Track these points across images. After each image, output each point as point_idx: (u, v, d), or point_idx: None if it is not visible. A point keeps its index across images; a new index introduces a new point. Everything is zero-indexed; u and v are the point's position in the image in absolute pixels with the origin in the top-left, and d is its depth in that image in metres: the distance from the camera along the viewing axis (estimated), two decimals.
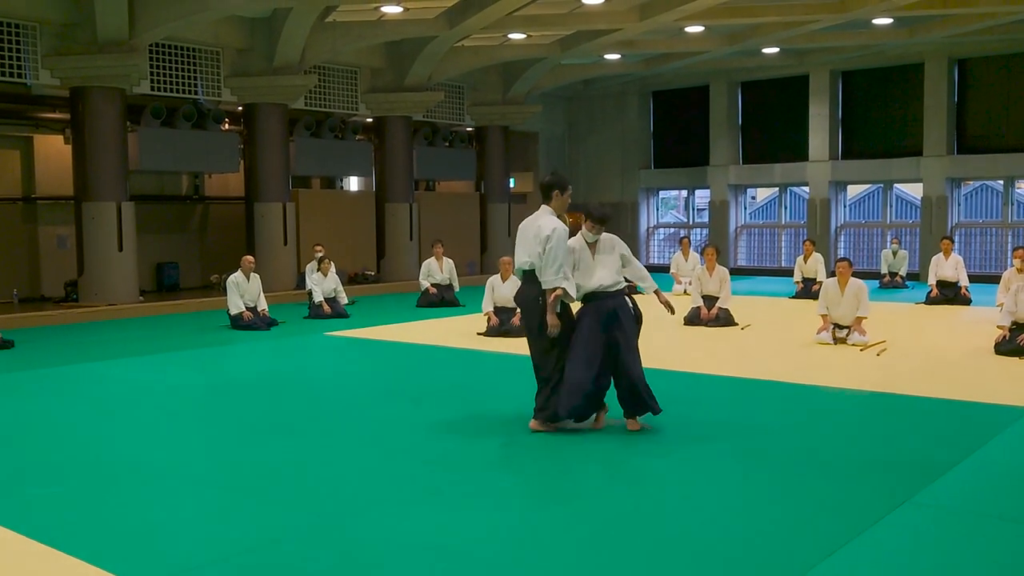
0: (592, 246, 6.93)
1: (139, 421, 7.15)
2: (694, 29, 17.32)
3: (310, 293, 13.89)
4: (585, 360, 6.44)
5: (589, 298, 6.74)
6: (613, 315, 6.57)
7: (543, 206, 6.65)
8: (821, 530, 4.44)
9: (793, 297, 15.56)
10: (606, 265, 6.82)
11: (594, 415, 6.64)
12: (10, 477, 5.54)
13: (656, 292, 7.00)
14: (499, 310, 11.39)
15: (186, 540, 4.40)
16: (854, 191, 22.54)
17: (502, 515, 4.73)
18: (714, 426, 6.59)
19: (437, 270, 15.07)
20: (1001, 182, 19.50)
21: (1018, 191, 20.01)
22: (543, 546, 4.30)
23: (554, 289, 6.35)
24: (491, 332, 11.24)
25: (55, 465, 5.79)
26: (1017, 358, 9.09)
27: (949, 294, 14.28)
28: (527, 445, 6.23)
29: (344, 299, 14.10)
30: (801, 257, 15.93)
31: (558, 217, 6.69)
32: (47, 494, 5.15)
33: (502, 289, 11.39)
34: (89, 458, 5.97)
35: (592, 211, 6.84)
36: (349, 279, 17.83)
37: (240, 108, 16.63)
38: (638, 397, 6.51)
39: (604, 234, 6.94)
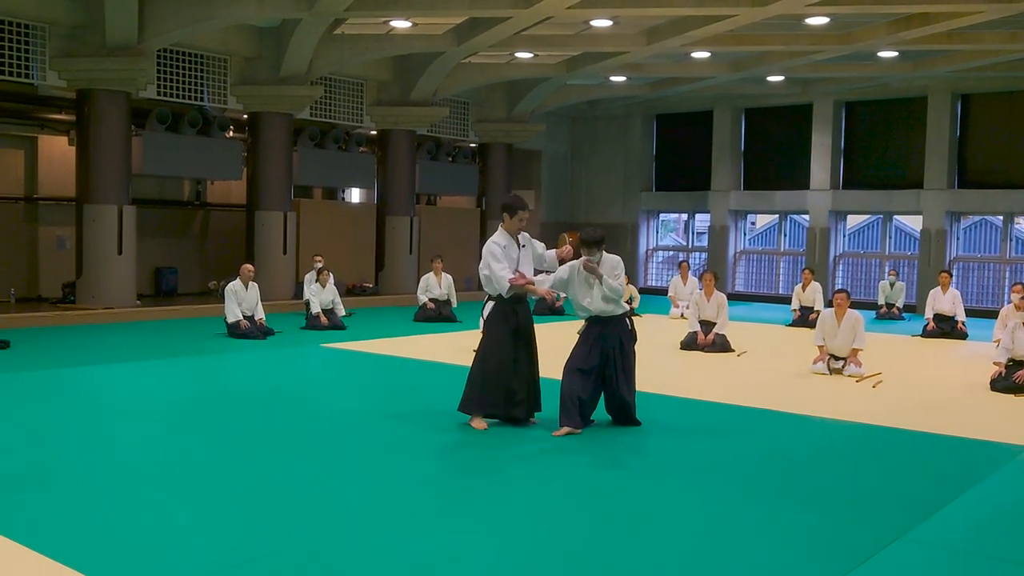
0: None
1: (131, 428, 7.13)
2: (700, 55, 17.41)
3: (307, 303, 13.88)
4: (581, 375, 6.97)
5: (593, 320, 7.02)
6: (615, 340, 7.05)
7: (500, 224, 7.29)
8: (810, 567, 4.41)
9: (790, 325, 15.57)
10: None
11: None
12: (1, 481, 5.51)
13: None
14: None
15: (175, 552, 4.37)
16: (854, 221, 22.60)
17: (490, 536, 4.72)
18: (704, 454, 6.57)
19: (435, 285, 15.06)
20: (1000, 218, 19.56)
21: (1017, 227, 20.06)
22: (529, 573, 4.28)
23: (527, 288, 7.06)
24: None
25: (47, 469, 5.77)
26: (1013, 395, 9.10)
27: (946, 328, 14.30)
28: (521, 466, 6.22)
29: (342, 311, 14.08)
30: (799, 285, 15.93)
31: (510, 234, 7.21)
32: (37, 499, 5.13)
33: None
34: (80, 464, 5.95)
35: (581, 234, 7.12)
36: (347, 291, 17.83)
37: (245, 116, 16.66)
38: (627, 415, 7.22)
39: (608, 256, 7.08)
